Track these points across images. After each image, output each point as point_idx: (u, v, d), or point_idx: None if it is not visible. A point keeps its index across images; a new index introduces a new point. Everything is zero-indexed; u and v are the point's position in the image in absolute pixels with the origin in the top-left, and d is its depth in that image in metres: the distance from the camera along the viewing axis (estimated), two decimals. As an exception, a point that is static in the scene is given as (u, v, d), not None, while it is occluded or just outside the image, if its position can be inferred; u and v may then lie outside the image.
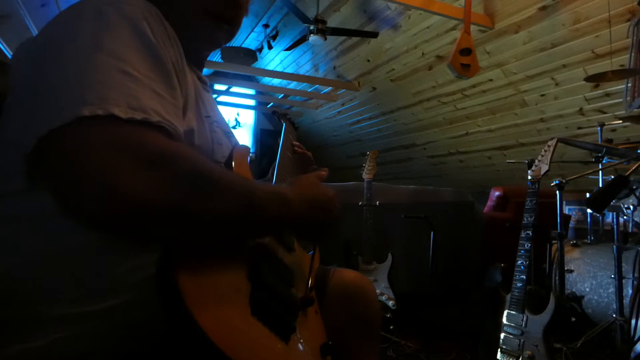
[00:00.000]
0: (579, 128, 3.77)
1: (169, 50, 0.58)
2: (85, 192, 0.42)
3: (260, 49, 5.82)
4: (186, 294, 0.45)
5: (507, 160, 4.54)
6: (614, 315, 1.83)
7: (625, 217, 2.13)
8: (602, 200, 1.45)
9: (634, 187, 1.76)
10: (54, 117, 0.44)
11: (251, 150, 8.13)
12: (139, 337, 0.52)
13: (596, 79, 2.33)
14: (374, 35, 4.19)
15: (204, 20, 0.73)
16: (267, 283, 0.59)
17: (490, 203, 3.22)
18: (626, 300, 1.83)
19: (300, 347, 0.62)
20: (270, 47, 5.32)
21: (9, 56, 2.38)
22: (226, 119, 0.85)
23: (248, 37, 5.71)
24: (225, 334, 0.47)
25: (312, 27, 4.03)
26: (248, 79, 7.17)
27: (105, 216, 0.43)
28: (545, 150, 1.75)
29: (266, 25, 5.31)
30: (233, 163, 0.74)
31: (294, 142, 1.09)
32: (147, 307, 0.50)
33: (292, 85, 6.47)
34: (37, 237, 0.52)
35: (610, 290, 2.06)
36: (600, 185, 2.29)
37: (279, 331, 0.56)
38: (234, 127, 8.04)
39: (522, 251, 1.60)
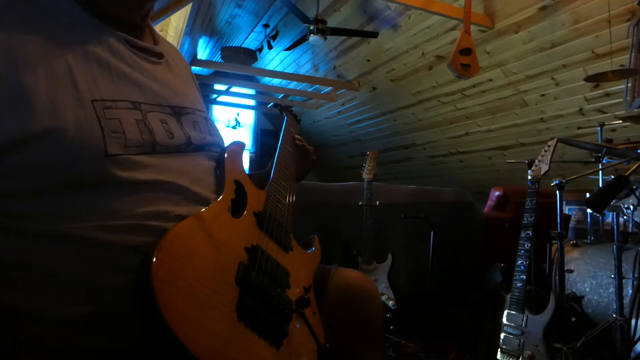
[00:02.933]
0: (579, 128, 3.77)
1: (9, 28, 0.50)
2: None
3: (260, 49, 5.82)
4: (163, 302, 0.43)
5: (507, 160, 4.54)
6: (614, 315, 1.83)
7: (625, 217, 2.13)
8: (602, 200, 1.45)
9: (634, 187, 1.76)
10: None
11: (251, 150, 8.13)
12: (117, 345, 0.51)
13: (596, 79, 2.33)
14: (374, 35, 4.19)
15: None
16: (256, 286, 0.55)
17: (490, 203, 3.21)
18: (626, 300, 1.83)
19: (294, 351, 0.59)
20: (270, 47, 5.32)
21: None
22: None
23: (248, 37, 5.71)
24: (206, 344, 0.45)
25: (312, 27, 4.03)
26: (248, 79, 7.18)
27: None
28: (545, 150, 1.75)
29: (266, 25, 5.31)
30: (226, 164, 0.71)
31: (295, 135, 1.07)
32: (126, 316, 0.49)
33: (292, 85, 6.47)
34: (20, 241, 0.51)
35: (610, 290, 2.06)
36: (600, 185, 2.29)
37: (268, 336, 0.54)
38: (234, 127, 8.04)
39: (522, 251, 1.60)
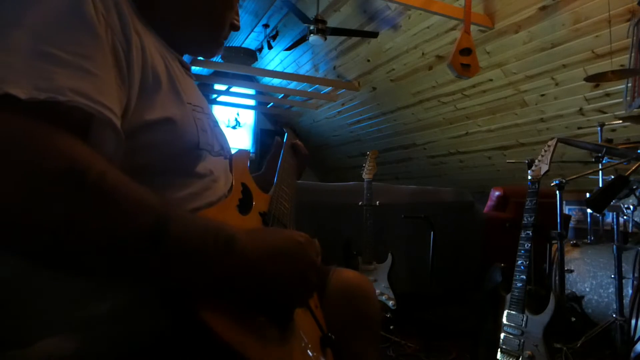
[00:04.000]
0: (579, 128, 3.77)
1: (114, 27, 0.53)
2: None
3: (260, 49, 5.82)
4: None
5: (507, 160, 4.54)
6: (614, 315, 1.83)
7: (625, 217, 2.13)
8: (602, 200, 1.45)
9: (634, 187, 1.76)
10: None
11: (251, 150, 8.13)
12: (141, 335, 0.51)
13: (596, 79, 2.33)
14: (374, 35, 4.19)
15: (204, 36, 0.75)
16: None
17: (490, 203, 3.22)
18: (626, 300, 1.83)
19: (298, 336, 0.62)
20: (270, 47, 5.32)
21: None
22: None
23: (248, 37, 5.71)
24: (218, 317, 0.48)
25: (312, 27, 4.03)
26: (248, 79, 7.18)
27: None
28: (545, 150, 1.75)
29: (266, 25, 5.31)
30: (232, 169, 0.76)
31: (295, 142, 1.14)
32: (145, 305, 0.50)
33: (292, 85, 6.47)
34: None
35: (610, 290, 2.06)
36: (600, 185, 2.29)
37: (274, 318, 0.57)
38: (234, 127, 8.04)
39: (522, 251, 1.60)
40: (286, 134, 1.17)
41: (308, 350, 0.64)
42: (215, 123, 0.75)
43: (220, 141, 0.74)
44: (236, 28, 0.80)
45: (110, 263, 0.43)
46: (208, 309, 0.46)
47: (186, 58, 0.77)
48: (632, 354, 1.73)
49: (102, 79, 0.49)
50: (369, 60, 4.94)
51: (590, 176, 2.16)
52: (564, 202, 2.15)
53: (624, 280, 1.84)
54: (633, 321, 1.74)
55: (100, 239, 0.42)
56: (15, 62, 0.43)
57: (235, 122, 8.07)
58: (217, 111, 7.96)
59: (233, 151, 0.87)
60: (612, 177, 1.61)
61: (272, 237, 0.56)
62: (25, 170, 0.40)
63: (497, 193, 3.18)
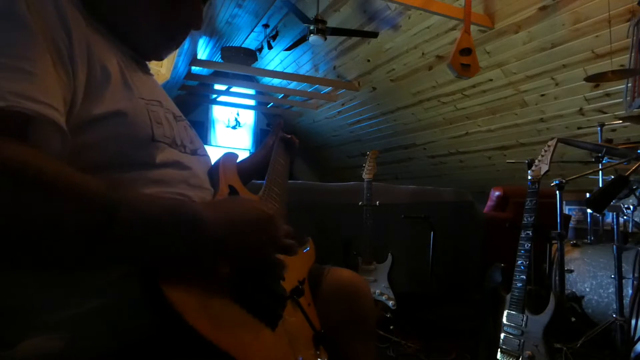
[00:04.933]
0: (579, 128, 3.77)
1: (54, 21, 0.53)
2: None
3: (260, 49, 5.82)
4: (166, 288, 0.47)
5: (507, 160, 4.54)
6: (614, 315, 1.83)
7: (625, 217, 2.13)
8: (602, 200, 1.45)
9: (634, 187, 1.76)
10: None
11: (251, 151, 8.12)
12: (125, 333, 0.51)
13: (596, 79, 2.33)
14: (374, 35, 4.19)
15: (155, 35, 0.72)
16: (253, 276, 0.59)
17: (490, 203, 3.21)
18: (626, 300, 1.83)
19: (292, 335, 0.63)
20: (270, 47, 5.32)
21: None
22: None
23: (248, 37, 5.71)
24: (202, 316, 0.48)
25: (312, 27, 4.03)
26: (248, 79, 7.17)
27: None
28: (545, 151, 1.75)
29: (266, 25, 5.31)
30: (220, 172, 0.77)
31: (284, 135, 1.14)
32: (130, 303, 0.50)
33: (292, 85, 6.47)
34: None
35: (610, 290, 2.06)
36: (600, 185, 2.29)
37: (263, 318, 0.57)
38: (234, 127, 8.04)
39: (522, 251, 1.60)
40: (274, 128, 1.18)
41: (300, 347, 0.64)
42: (180, 119, 0.74)
43: (190, 140, 0.73)
44: (196, 27, 0.76)
45: (62, 253, 0.44)
46: (185, 304, 0.47)
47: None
48: (632, 354, 1.73)
49: (41, 77, 0.49)
50: (369, 60, 4.94)
51: (590, 176, 2.15)
52: (564, 202, 2.15)
53: (624, 280, 1.84)
54: (633, 321, 1.74)
55: (47, 231, 0.42)
56: None
57: (235, 122, 8.06)
58: (217, 111, 7.96)
59: (233, 151, 0.88)
60: (612, 177, 1.61)
61: (236, 209, 0.56)
62: None
63: (497, 193, 3.18)
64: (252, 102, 8.02)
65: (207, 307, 0.50)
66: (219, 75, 6.33)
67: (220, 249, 0.52)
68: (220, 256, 0.53)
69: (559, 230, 1.92)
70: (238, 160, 0.89)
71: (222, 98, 7.52)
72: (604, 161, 2.19)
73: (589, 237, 2.55)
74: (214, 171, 0.78)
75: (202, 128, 7.66)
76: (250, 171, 1.03)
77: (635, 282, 1.84)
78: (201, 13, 0.75)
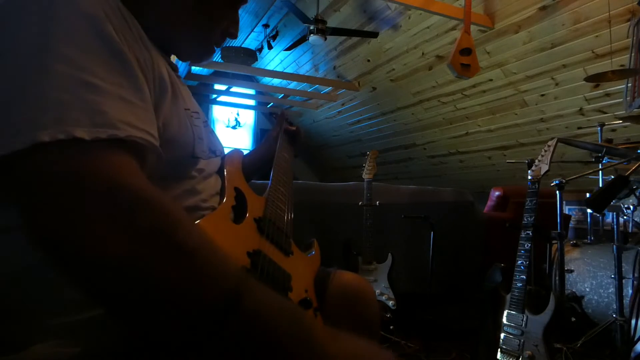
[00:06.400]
0: (579, 128, 3.77)
1: (133, 45, 0.52)
2: (36, 233, 0.40)
3: (260, 49, 5.82)
4: None
5: (507, 160, 4.54)
6: (614, 315, 1.83)
7: (625, 217, 2.13)
8: (602, 200, 1.45)
9: (634, 187, 1.76)
10: (6, 141, 0.39)
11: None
12: (140, 338, 0.51)
13: (596, 79, 2.33)
14: (374, 35, 4.19)
15: (199, 46, 0.74)
16: None
17: (490, 203, 3.21)
18: (626, 300, 1.83)
19: None
20: (270, 47, 5.32)
21: None
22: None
23: (248, 37, 5.71)
24: None
25: (312, 27, 4.03)
26: (248, 79, 7.17)
27: (55, 262, 0.40)
28: (545, 150, 1.75)
29: (266, 25, 5.31)
30: (225, 172, 0.75)
31: (287, 127, 1.15)
32: None
33: (292, 85, 6.47)
34: (14, 249, 0.49)
35: (610, 290, 2.06)
36: (600, 185, 2.29)
37: None
38: (234, 127, 8.03)
39: (522, 251, 1.60)
40: (276, 121, 1.18)
41: None
42: (207, 124, 0.75)
43: (214, 143, 0.75)
44: (233, 36, 0.79)
45: (178, 329, 0.39)
46: None
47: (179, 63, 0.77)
48: (632, 354, 1.73)
49: (138, 105, 0.48)
50: (369, 60, 4.94)
51: (590, 176, 2.16)
52: (564, 202, 2.15)
53: (624, 280, 1.84)
54: (633, 321, 1.74)
55: (178, 300, 0.39)
56: (63, 96, 0.42)
57: (235, 122, 8.06)
58: (217, 111, 7.96)
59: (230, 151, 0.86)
60: (612, 177, 1.61)
61: (357, 350, 0.47)
62: (121, 226, 0.39)
63: (497, 193, 3.18)
64: (252, 102, 8.02)
65: None
66: (219, 75, 6.32)
67: None
68: None
69: (559, 230, 1.92)
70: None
71: (222, 98, 7.52)
72: (604, 161, 2.19)
73: (589, 237, 2.55)
74: (219, 172, 0.77)
75: (202, 128, 7.66)
76: (254, 167, 1.02)
77: (635, 282, 1.84)
78: (238, 22, 0.79)
